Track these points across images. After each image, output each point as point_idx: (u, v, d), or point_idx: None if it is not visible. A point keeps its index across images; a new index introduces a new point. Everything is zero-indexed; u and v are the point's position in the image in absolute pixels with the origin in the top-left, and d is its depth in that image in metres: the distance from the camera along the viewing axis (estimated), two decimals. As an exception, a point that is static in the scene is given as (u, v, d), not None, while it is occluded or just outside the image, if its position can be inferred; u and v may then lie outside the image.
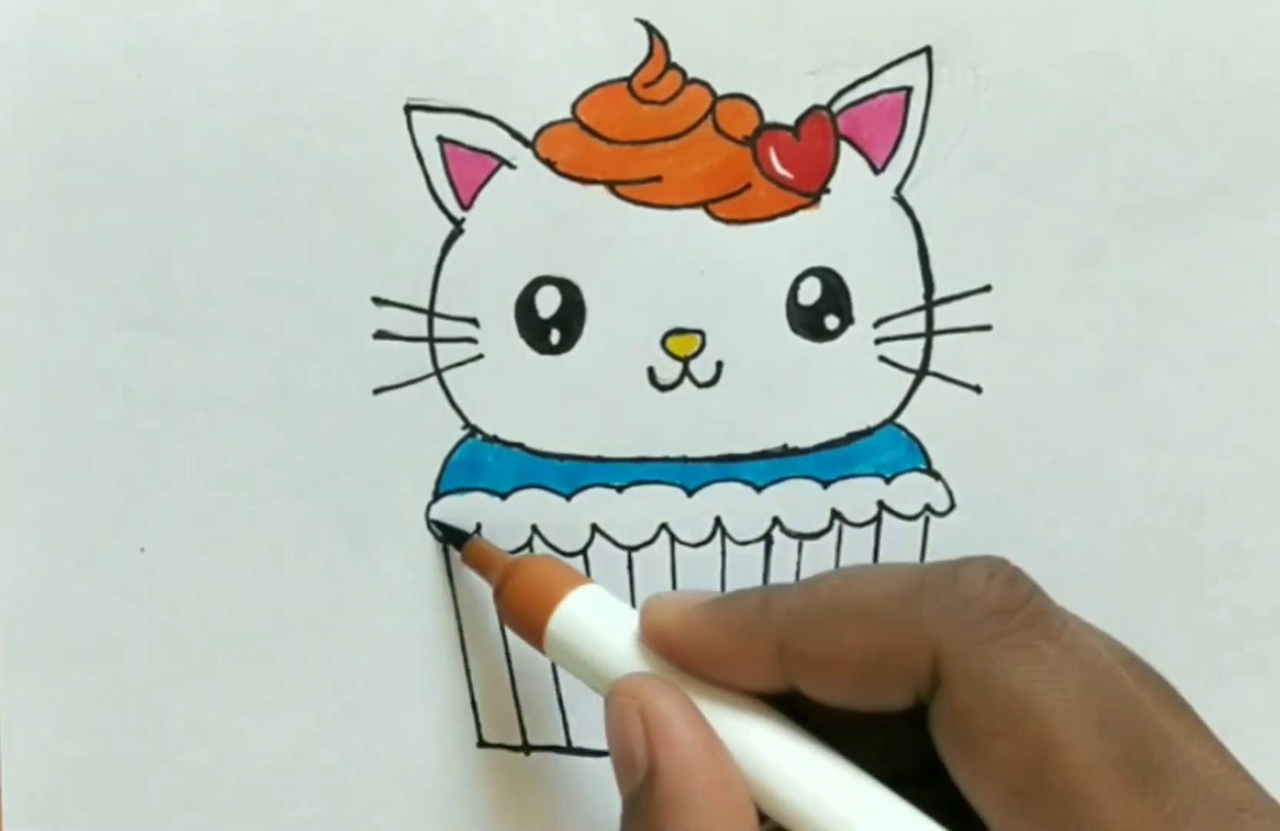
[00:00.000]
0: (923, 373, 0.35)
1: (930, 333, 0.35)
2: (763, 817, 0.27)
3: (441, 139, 0.35)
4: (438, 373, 0.36)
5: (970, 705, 0.25)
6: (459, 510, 0.36)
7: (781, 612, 0.28)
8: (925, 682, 0.26)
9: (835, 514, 0.36)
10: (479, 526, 0.36)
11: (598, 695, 0.30)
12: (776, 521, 0.36)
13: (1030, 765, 0.25)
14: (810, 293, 0.35)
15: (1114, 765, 0.24)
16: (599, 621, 0.31)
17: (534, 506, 0.36)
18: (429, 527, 0.36)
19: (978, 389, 0.35)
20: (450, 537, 0.36)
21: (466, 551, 0.35)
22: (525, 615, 0.32)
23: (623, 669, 0.29)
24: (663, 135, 0.35)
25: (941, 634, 0.26)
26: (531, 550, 0.36)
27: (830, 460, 0.36)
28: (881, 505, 0.36)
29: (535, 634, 0.31)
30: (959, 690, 0.25)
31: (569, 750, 0.37)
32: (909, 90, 0.35)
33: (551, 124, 0.35)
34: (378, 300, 0.35)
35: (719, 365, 0.35)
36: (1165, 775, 0.25)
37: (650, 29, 0.35)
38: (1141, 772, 0.24)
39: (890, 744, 0.28)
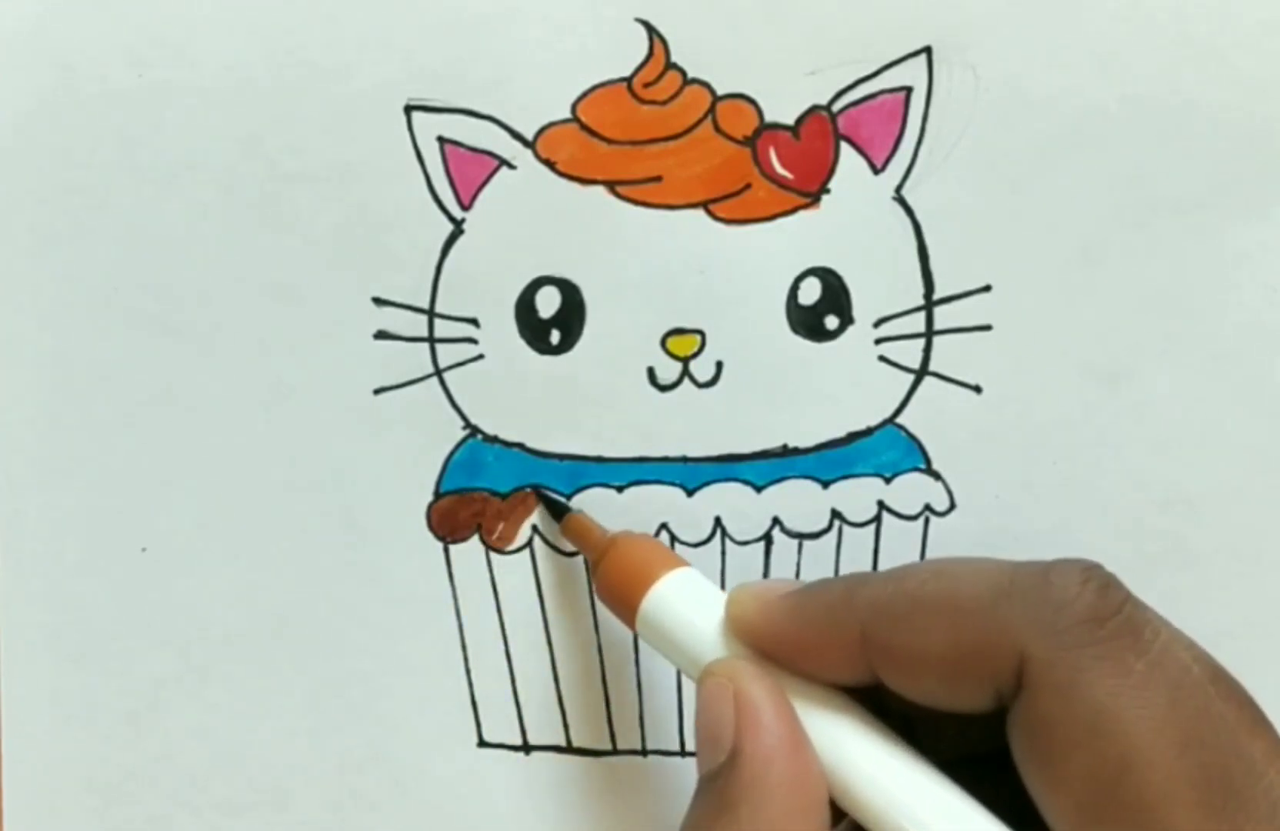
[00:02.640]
0: (923, 372, 0.35)
1: (930, 332, 0.35)
2: (839, 814, 0.28)
3: (441, 139, 0.35)
4: (438, 373, 0.36)
5: (1052, 713, 0.25)
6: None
7: (866, 604, 0.28)
8: (1009, 685, 0.26)
9: (835, 514, 0.36)
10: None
11: (690, 680, 0.30)
12: (776, 521, 0.36)
13: (1107, 780, 0.24)
14: (810, 293, 0.35)
15: (1192, 786, 0.24)
16: (691, 605, 0.31)
17: (535, 506, 0.36)
18: (426, 520, 0.36)
19: (978, 389, 0.35)
20: (550, 508, 0.35)
21: (565, 523, 0.35)
22: (619, 594, 0.32)
23: (712, 654, 0.30)
24: (662, 135, 0.35)
25: (1029, 638, 0.25)
26: (531, 550, 0.36)
27: (830, 460, 0.36)
28: (881, 505, 0.36)
29: (628, 613, 0.32)
30: (1042, 697, 0.25)
31: (569, 750, 0.37)
32: (909, 90, 0.35)
33: (551, 124, 0.35)
34: (378, 300, 0.36)
35: (719, 365, 0.35)
36: (1243, 799, 0.24)
37: (650, 29, 0.35)
38: (1220, 795, 0.24)
39: (964, 731, 0.28)
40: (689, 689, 0.36)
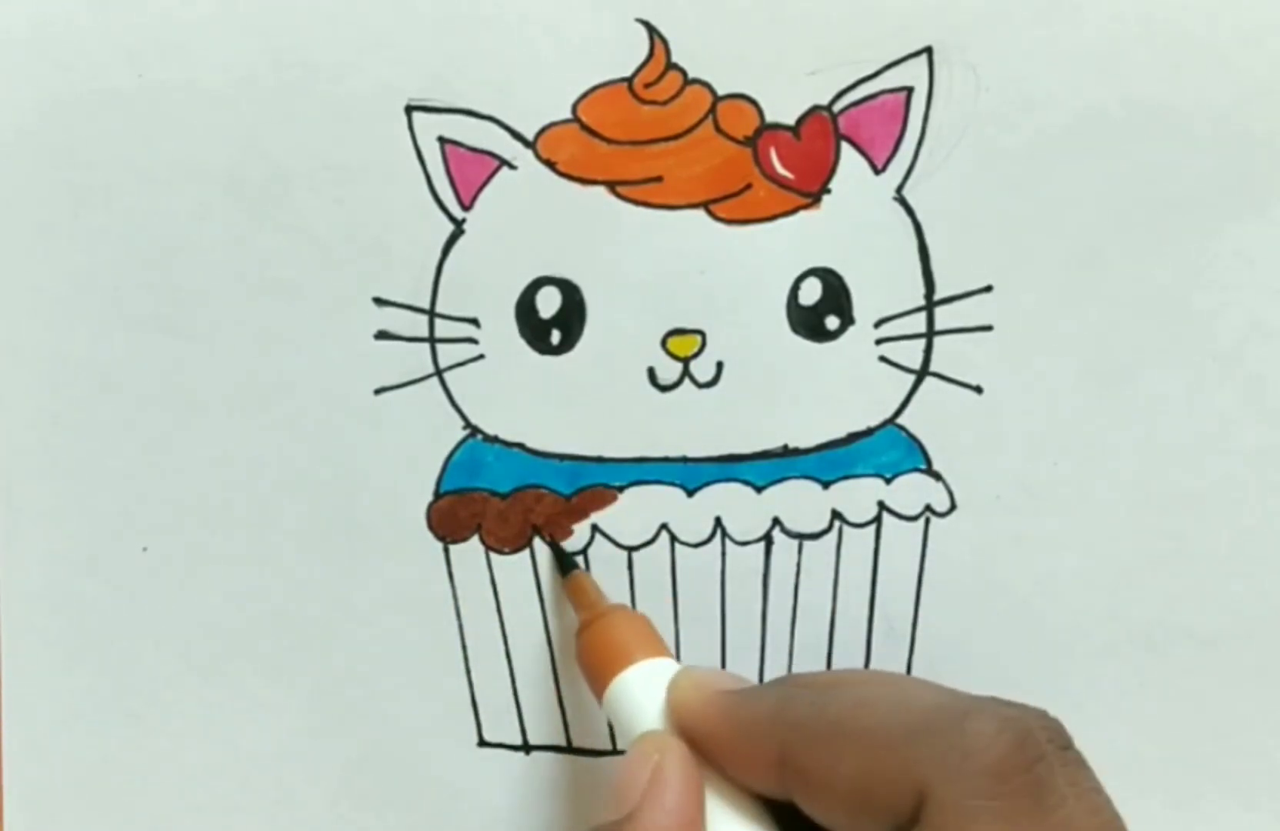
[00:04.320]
0: (923, 373, 0.35)
1: (931, 333, 0.35)
2: None
3: (442, 139, 0.35)
4: (438, 373, 0.36)
5: None
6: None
7: (790, 724, 0.28)
8: (907, 822, 0.26)
9: (835, 514, 0.36)
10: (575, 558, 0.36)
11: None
12: (777, 522, 0.36)
13: None
14: (811, 293, 0.35)
15: None
16: (652, 696, 0.31)
17: (535, 505, 0.36)
18: (426, 520, 0.36)
19: (978, 389, 0.35)
20: (559, 561, 0.36)
21: (568, 581, 0.35)
22: (593, 670, 0.32)
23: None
24: (663, 135, 0.35)
25: (932, 779, 0.25)
26: (532, 550, 0.36)
27: (830, 460, 0.36)
28: (882, 505, 0.36)
29: (598, 692, 0.32)
30: None
31: (569, 750, 0.37)
32: (910, 90, 0.35)
33: (552, 124, 0.35)
34: (378, 300, 0.35)
35: (719, 365, 0.35)
36: None
37: (651, 29, 0.35)
38: None
39: None
40: (689, 689, 0.36)
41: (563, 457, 0.36)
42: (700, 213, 0.35)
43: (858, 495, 0.36)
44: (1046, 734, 0.26)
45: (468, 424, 0.36)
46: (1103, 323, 0.35)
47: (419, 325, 0.36)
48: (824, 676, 0.30)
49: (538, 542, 0.36)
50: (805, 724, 0.28)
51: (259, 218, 0.35)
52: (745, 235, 0.35)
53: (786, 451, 0.36)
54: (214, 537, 0.36)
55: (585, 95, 0.35)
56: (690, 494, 0.36)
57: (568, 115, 0.35)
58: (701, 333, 0.35)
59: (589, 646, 0.33)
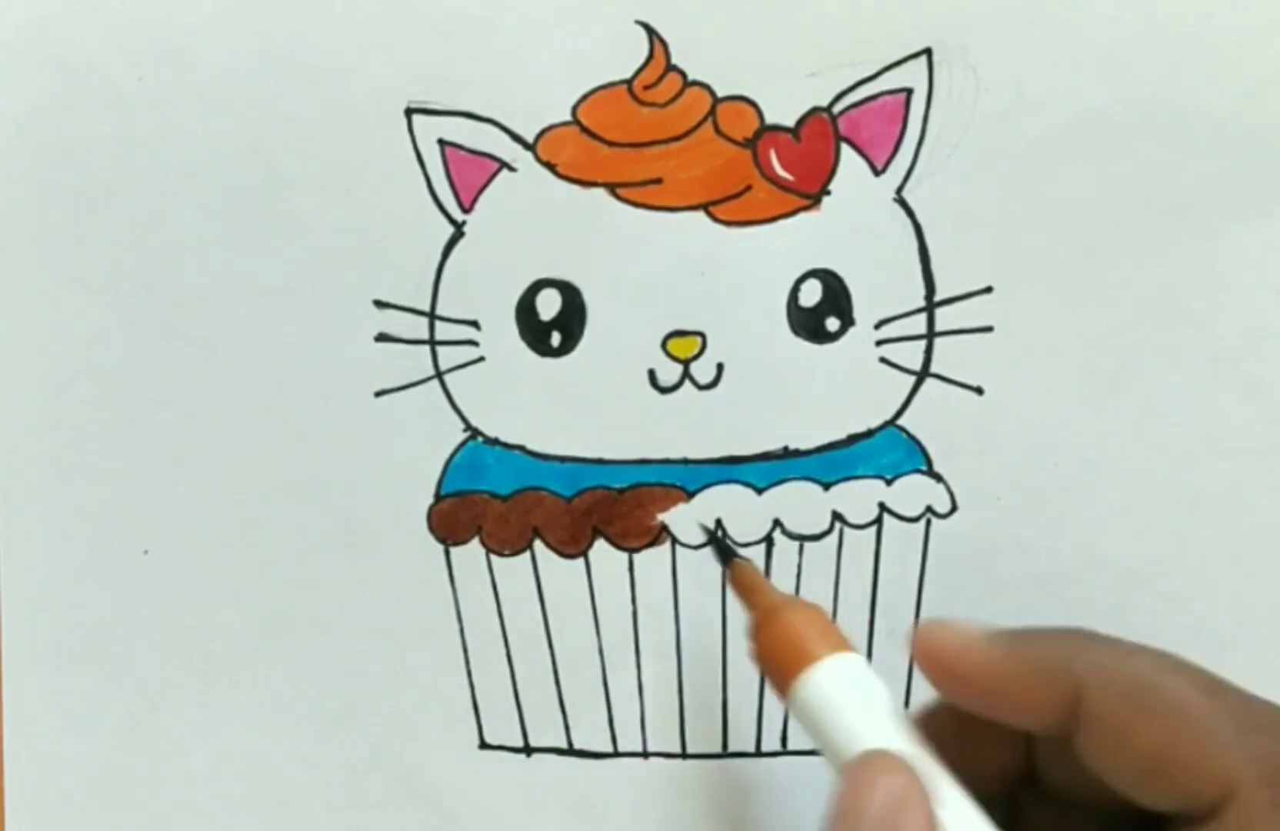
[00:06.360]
0: (924, 374, 0.35)
1: (931, 334, 0.35)
2: None
3: (442, 142, 0.35)
4: (439, 375, 0.36)
5: None
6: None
7: (1091, 666, 0.27)
8: (1200, 809, 0.25)
9: (836, 516, 0.36)
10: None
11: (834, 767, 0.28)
12: (777, 523, 0.36)
13: None
14: (811, 294, 0.35)
15: None
16: (847, 695, 0.29)
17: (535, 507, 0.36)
18: (427, 522, 0.36)
19: (979, 390, 0.35)
20: (720, 552, 0.34)
21: (733, 572, 0.33)
22: (776, 667, 0.30)
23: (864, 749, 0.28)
24: (663, 137, 0.35)
25: (1249, 780, 0.25)
26: (532, 552, 0.36)
27: (831, 462, 0.36)
28: (883, 507, 0.36)
29: (781, 688, 0.30)
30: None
31: (570, 752, 0.37)
32: (909, 92, 0.35)
33: (552, 126, 0.35)
34: (379, 303, 0.36)
35: (719, 367, 0.35)
36: None
37: (650, 31, 0.35)
38: None
39: None
40: (691, 691, 0.36)
41: (563, 460, 0.36)
42: (700, 214, 0.35)
43: (858, 496, 0.36)
44: None
45: (468, 426, 0.36)
46: (1103, 323, 0.35)
47: (419, 328, 0.36)
48: (1115, 638, 0.28)
49: (538, 544, 0.36)
50: (1112, 673, 0.26)
51: (259, 220, 0.35)
52: (745, 237, 0.35)
53: (787, 453, 0.36)
54: (215, 540, 0.36)
55: (585, 97, 0.35)
56: (691, 495, 0.36)
57: (567, 117, 0.35)
58: (702, 334, 0.35)
59: (770, 645, 0.30)
